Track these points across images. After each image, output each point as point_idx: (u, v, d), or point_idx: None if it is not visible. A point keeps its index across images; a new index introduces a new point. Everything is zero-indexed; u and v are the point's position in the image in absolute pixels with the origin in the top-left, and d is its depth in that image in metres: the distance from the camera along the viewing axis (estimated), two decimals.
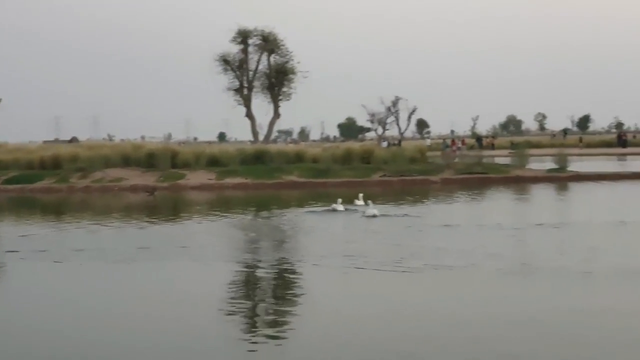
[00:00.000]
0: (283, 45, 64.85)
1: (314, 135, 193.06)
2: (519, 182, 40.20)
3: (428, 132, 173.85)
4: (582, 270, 14.95)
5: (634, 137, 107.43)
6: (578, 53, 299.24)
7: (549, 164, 46.02)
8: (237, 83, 64.57)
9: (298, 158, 46.56)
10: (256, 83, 65.10)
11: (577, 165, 47.18)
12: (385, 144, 77.41)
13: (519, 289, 13.87)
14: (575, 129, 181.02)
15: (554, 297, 12.96)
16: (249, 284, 15.65)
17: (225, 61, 63.65)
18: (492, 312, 12.01)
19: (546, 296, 13.08)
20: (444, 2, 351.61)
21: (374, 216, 24.61)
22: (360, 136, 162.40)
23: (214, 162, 45.39)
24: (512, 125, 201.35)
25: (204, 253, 18.66)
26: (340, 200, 26.74)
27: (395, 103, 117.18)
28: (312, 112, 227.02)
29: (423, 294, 13.66)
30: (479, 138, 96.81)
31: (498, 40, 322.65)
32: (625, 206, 27.98)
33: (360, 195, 27.14)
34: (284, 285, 15.13)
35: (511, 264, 15.77)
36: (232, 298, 13.58)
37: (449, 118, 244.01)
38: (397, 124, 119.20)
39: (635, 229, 21.02)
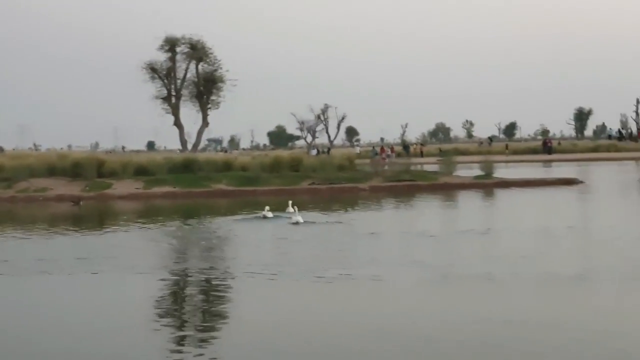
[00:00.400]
0: (211, 53, 64.46)
1: (244, 143, 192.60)
2: (447, 189, 40.50)
3: (358, 140, 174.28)
4: (505, 277, 14.92)
5: (559, 144, 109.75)
6: (504, 62, 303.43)
7: (476, 171, 46.50)
8: (164, 91, 63.97)
9: (227, 166, 46.31)
10: (184, 91, 64.66)
11: (503, 172, 48.08)
12: (314, 152, 77.51)
13: (440, 297, 13.73)
14: (502, 136, 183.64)
15: (473, 305, 12.84)
16: (176, 294, 15.37)
17: (152, 69, 63.11)
18: (408, 322, 11.87)
19: (465, 305, 12.95)
20: (372, 9, 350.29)
21: (297, 223, 24.63)
22: (290, 144, 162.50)
23: (141, 171, 44.70)
24: (440, 132, 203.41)
25: (128, 263, 18.21)
26: (268, 207, 26.61)
27: (324, 111, 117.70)
28: (242, 120, 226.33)
29: (344, 303, 13.39)
30: (405, 145, 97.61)
31: (427, 48, 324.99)
32: (549, 212, 28.44)
33: (290, 202, 27.15)
34: (210, 295, 14.90)
35: (434, 272, 15.61)
36: (159, 308, 13.29)
37: (379, 126, 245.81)
38: (327, 132, 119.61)
39: (558, 234, 21.24)
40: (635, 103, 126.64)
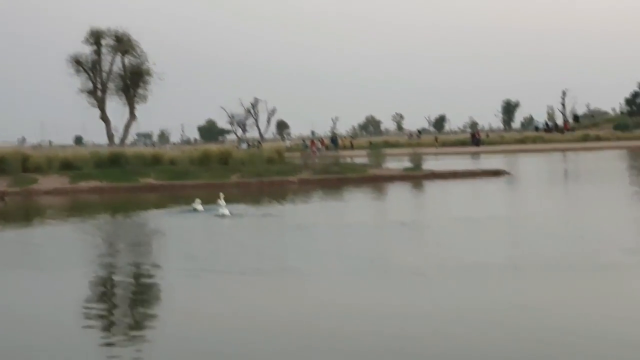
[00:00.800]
0: (138, 46, 63.79)
1: (175, 138, 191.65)
2: (376, 182, 40.59)
3: (288, 133, 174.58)
4: (430, 269, 15.00)
5: (487, 136, 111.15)
6: (434, 55, 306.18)
7: (405, 163, 46.81)
8: (90, 85, 62.75)
9: (155, 161, 45.70)
10: (110, 85, 63.52)
11: (432, 164, 48.44)
12: (245, 145, 77.56)
13: (365, 289, 13.62)
14: (432, 129, 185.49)
15: (396, 297, 12.81)
16: (104, 290, 15.06)
17: (77, 62, 62.16)
18: (331, 316, 11.60)
19: (387, 297, 12.90)
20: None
21: (224, 216, 24.70)
22: (220, 138, 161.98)
23: (67, 166, 43.55)
24: (371, 125, 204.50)
25: (54, 260, 17.80)
26: (199, 200, 26.62)
27: (254, 105, 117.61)
28: (172, 114, 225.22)
29: (267, 297, 13.18)
30: (334, 139, 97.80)
31: (356, 41, 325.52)
32: (476, 203, 28.87)
33: (222, 195, 27.07)
34: (138, 290, 14.72)
35: (361, 264, 15.63)
36: (88, 306, 12.87)
37: (310, 119, 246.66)
38: (257, 126, 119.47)
39: (483, 225, 21.61)
40: (561, 95, 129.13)
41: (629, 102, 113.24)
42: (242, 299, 13.11)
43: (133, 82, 63.85)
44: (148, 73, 64.23)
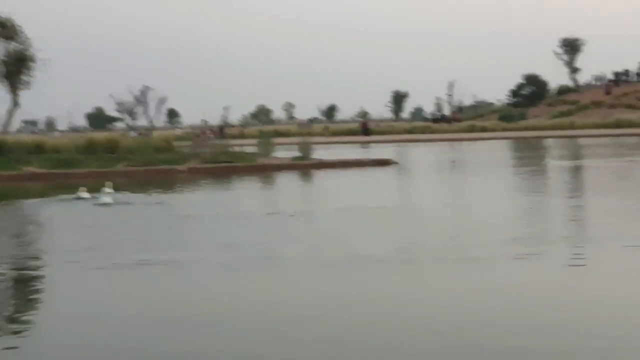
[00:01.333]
0: (22, 31, 62.30)
1: (62, 125, 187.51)
2: (265, 171, 40.65)
3: (179, 122, 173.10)
4: (311, 259, 15.04)
5: (377, 125, 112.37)
6: (324, 44, 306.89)
7: (295, 152, 46.67)
8: None
9: (39, 148, 44.45)
10: None
11: (321, 153, 48.56)
12: (134, 134, 76.74)
13: (243, 279, 13.53)
14: (323, 118, 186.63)
15: (270, 287, 12.73)
16: None
17: None
18: (206, 306, 11.46)
19: (261, 286, 12.78)
20: None
21: (106, 204, 24.37)
22: (109, 126, 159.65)
23: None
24: (262, 114, 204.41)
25: None
26: (84, 188, 26.25)
27: (144, 93, 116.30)
28: (59, 101, 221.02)
29: (146, 290, 12.91)
30: (221, 128, 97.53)
31: (245, 30, 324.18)
32: (363, 192, 29.09)
33: (109, 183, 26.76)
34: (17, 285, 14.07)
35: (242, 255, 15.41)
36: None
37: (201, 108, 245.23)
38: (147, 114, 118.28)
39: (369, 214, 21.71)
40: (448, 87, 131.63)
41: (514, 93, 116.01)
42: (117, 294, 12.69)
43: (17, 68, 62.23)
44: (32, 59, 62.19)
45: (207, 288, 12.53)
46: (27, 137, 56.19)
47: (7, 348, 9.47)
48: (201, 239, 17.60)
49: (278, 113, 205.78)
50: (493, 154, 53.39)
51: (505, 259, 14.16)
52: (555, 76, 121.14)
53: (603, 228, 17.55)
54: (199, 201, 27.54)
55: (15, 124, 71.90)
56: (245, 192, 30.84)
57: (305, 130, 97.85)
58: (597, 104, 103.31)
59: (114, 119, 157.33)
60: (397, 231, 18.38)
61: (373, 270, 13.50)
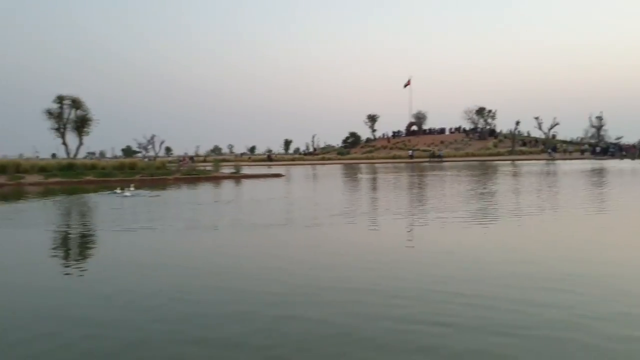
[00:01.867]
0: (84, 103, 59.99)
1: (108, 155, 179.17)
2: (216, 180, 39.88)
3: (171, 153, 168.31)
4: (232, 226, 14.76)
5: (275, 156, 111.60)
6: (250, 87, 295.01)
7: (232, 169, 46.06)
8: (56, 125, 58.92)
9: (93, 166, 42.69)
10: (68, 126, 59.81)
11: (246, 170, 48.44)
12: (146, 160, 74.64)
13: (193, 239, 13.02)
14: (248, 152, 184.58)
15: (197, 244, 12.55)
16: (59, 241, 12.56)
17: (49, 113, 58.22)
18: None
19: (202, 243, 12.60)
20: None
21: (127, 196, 24.50)
22: (133, 156, 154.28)
23: (43, 169, 40.00)
24: (217, 150, 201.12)
25: (33, 220, 16.41)
26: (119, 187, 26.98)
27: (152, 138, 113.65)
28: (106, 141, 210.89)
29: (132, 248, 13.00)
30: (191, 157, 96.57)
31: (216, 84, 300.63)
32: (265, 191, 28.99)
33: (132, 185, 27.43)
34: (81, 242, 13.50)
35: (194, 224, 15.13)
36: (52, 253, 11.45)
37: (184, 145, 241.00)
38: (154, 149, 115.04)
39: (266, 202, 21.62)
40: (312, 137, 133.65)
41: (345, 140, 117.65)
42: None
43: (81, 124, 59.89)
44: (89, 120, 60.41)
45: (166, 244, 12.04)
46: (87, 161, 53.84)
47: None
48: (173, 215, 17.16)
49: (225, 149, 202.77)
50: (333, 171, 53.98)
51: (334, 224, 14.33)
52: (365, 132, 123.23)
53: (384, 208, 17.98)
54: (177, 195, 26.95)
55: (82, 154, 68.57)
56: (203, 191, 30.21)
57: (238, 159, 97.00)
58: (384, 147, 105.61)
59: (136, 152, 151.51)
60: (279, 211, 18.21)
61: (264, 231, 13.33)
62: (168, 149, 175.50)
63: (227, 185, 34.25)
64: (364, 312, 6.50)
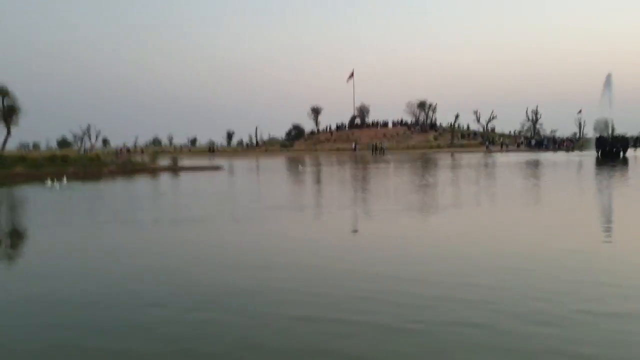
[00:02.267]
0: (10, 92, 56.88)
1: (43, 147, 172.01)
2: (152, 172, 39.06)
3: (109, 145, 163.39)
4: (161, 219, 14.65)
5: (217, 148, 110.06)
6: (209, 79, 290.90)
7: (168, 161, 45.32)
8: None
9: (22, 159, 40.29)
10: None
11: (185, 162, 47.51)
12: (82, 151, 72.17)
13: (109, 232, 13.03)
14: (188, 144, 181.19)
15: (125, 235, 12.47)
16: None
17: None
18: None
19: (116, 235, 12.59)
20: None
21: (58, 188, 23.71)
22: (69, 148, 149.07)
23: None
24: (156, 141, 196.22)
25: None
26: (49, 179, 25.95)
27: (88, 129, 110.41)
28: (39, 132, 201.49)
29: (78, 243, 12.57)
30: (128, 149, 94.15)
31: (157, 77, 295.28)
32: (202, 184, 28.58)
33: (63, 178, 26.04)
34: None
35: (123, 217, 14.93)
36: None
37: (122, 137, 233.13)
38: (90, 140, 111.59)
39: (203, 195, 21.38)
40: (255, 129, 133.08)
41: (288, 133, 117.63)
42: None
43: (9, 114, 56.72)
44: (17, 110, 57.30)
45: (80, 234, 11.82)
46: (16, 152, 51.30)
47: None
48: (101, 206, 16.81)
49: (165, 141, 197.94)
50: (276, 164, 53.77)
51: (269, 215, 14.28)
52: (308, 125, 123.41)
53: (326, 199, 18.07)
54: (114, 187, 26.18)
55: (13, 146, 65.21)
56: (138, 183, 29.43)
57: (178, 150, 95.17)
58: (328, 140, 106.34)
59: (71, 144, 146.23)
60: (215, 203, 17.95)
61: (194, 224, 13.18)
62: (105, 141, 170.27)
63: (163, 178, 33.60)
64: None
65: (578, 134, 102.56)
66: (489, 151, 76.95)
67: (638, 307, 6.15)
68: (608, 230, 11.41)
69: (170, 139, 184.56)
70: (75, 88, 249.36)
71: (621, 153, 55.82)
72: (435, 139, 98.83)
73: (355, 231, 12.00)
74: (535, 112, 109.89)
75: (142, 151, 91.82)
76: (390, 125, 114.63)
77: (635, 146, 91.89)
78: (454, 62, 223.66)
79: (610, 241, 10.14)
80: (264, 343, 5.24)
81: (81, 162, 40.31)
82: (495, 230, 11.57)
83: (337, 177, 30.97)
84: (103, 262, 9.04)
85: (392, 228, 11.97)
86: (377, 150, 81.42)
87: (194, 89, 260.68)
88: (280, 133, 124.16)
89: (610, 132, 62.19)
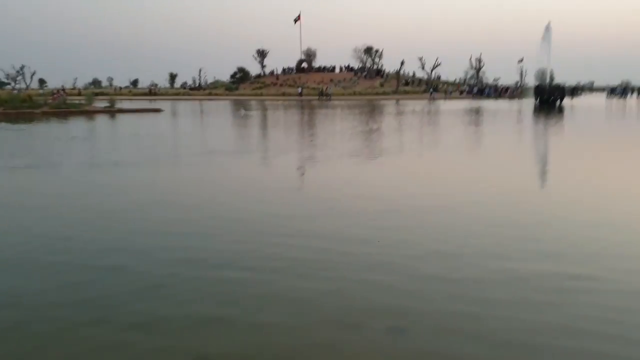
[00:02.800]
0: None
1: None
2: (87, 114, 37.55)
3: (46, 86, 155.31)
4: (89, 163, 14.48)
5: (159, 90, 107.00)
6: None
7: (106, 103, 43.71)
8: None
9: None
10: None
11: (124, 104, 46.04)
12: (16, 92, 68.43)
13: (33, 174, 12.89)
14: (130, 85, 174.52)
15: (54, 181, 12.29)
16: None
17: None
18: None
19: (48, 179, 12.33)
20: None
21: None
22: (4, 87, 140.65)
23: None
24: (96, 83, 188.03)
25: None
26: None
27: (21, 69, 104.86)
28: None
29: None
30: (64, 89, 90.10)
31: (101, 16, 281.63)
32: (142, 126, 27.98)
33: None
34: None
35: (47, 160, 14.63)
36: None
37: (67, 75, 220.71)
38: (24, 81, 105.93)
39: (145, 138, 20.99)
40: (199, 71, 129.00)
41: (233, 76, 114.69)
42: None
43: None
44: None
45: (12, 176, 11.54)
46: None
47: None
48: (32, 146, 16.22)
49: (105, 82, 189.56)
50: (219, 107, 52.86)
51: (197, 162, 14.24)
52: (254, 68, 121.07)
53: (273, 144, 18.07)
54: (38, 129, 25.20)
55: None
56: (71, 125, 28.38)
57: (118, 92, 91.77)
58: (274, 84, 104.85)
59: (4, 84, 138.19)
60: (151, 147, 17.58)
61: (128, 168, 13.03)
62: (42, 81, 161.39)
63: (99, 120, 32.49)
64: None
65: (519, 83, 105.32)
66: (432, 98, 78.13)
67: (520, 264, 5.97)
68: (525, 177, 12.08)
69: (111, 81, 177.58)
70: (9, 28, 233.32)
71: (558, 102, 58.02)
72: (381, 85, 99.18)
73: (287, 177, 12.19)
74: (479, 60, 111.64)
75: (80, 93, 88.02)
76: (337, 70, 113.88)
77: (572, 95, 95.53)
78: (400, 9, 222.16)
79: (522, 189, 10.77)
80: (167, 286, 5.22)
81: (12, 103, 38.34)
82: (423, 175, 12.06)
83: (276, 122, 30.90)
84: (5, 203, 8.94)
85: (317, 173, 12.25)
86: (323, 96, 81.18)
87: (136, 29, 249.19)
88: (225, 76, 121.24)
89: (548, 81, 64.27)
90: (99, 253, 6.15)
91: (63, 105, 40.25)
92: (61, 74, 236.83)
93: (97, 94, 62.72)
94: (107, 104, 42.55)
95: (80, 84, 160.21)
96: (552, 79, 75.23)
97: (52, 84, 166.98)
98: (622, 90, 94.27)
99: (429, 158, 15.12)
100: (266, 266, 5.69)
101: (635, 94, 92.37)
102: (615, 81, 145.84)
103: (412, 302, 4.79)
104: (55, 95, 58.46)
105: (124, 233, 6.98)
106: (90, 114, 37.69)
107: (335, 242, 6.55)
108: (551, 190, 10.34)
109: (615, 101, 73.15)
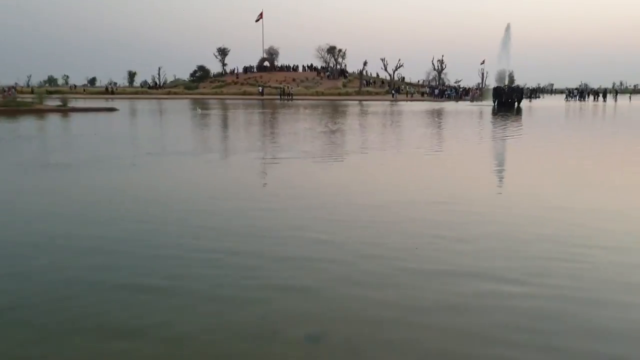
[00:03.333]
0: None
1: None
2: (39, 112, 36.44)
3: None
4: (67, 161, 14.07)
5: (117, 88, 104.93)
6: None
7: (58, 102, 42.47)
8: None
9: None
10: None
11: (78, 103, 44.92)
12: None
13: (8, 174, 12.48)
14: (87, 83, 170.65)
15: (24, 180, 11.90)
16: None
17: None
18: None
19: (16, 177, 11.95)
20: None
21: None
22: None
23: None
24: (51, 81, 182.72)
25: None
26: None
27: None
28: None
29: None
30: (14, 87, 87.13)
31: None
32: (93, 126, 27.30)
33: None
34: None
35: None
36: None
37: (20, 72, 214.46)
38: None
39: (97, 138, 20.51)
40: (158, 70, 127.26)
41: (193, 74, 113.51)
42: None
43: None
44: None
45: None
46: None
47: None
48: None
49: (61, 80, 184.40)
50: (177, 106, 52.11)
51: (172, 157, 13.90)
52: (215, 67, 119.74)
53: (235, 144, 17.83)
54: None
55: None
56: (19, 124, 27.51)
57: (74, 91, 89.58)
58: (234, 83, 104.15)
59: None
60: (108, 146, 17.15)
61: (58, 169, 12.61)
62: None
63: (49, 119, 31.58)
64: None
65: (481, 85, 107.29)
66: (395, 99, 78.89)
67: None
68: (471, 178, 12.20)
69: (66, 79, 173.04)
70: None
71: (516, 103, 59.29)
72: (344, 85, 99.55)
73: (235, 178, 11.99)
74: (441, 62, 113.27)
75: (33, 91, 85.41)
76: (300, 69, 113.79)
77: (530, 97, 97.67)
78: (362, 9, 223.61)
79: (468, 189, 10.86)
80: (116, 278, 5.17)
81: None
82: (379, 175, 12.05)
83: (233, 121, 30.61)
84: None
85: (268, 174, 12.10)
86: (285, 95, 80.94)
87: (94, 25, 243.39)
88: (186, 74, 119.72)
89: (507, 82, 65.62)
90: None
91: (12, 103, 38.93)
92: (14, 72, 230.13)
93: (51, 92, 61.12)
94: (60, 103, 41.33)
95: (34, 81, 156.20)
96: (512, 80, 76.88)
97: (4, 81, 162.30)
98: (579, 93, 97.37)
99: (375, 159, 15.12)
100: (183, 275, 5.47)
101: (591, 97, 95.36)
102: (574, 84, 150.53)
103: (332, 309, 4.68)
104: (5, 93, 56.77)
105: None
106: (40, 112, 36.53)
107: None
108: (490, 192, 10.45)
109: (572, 103, 75.32)
